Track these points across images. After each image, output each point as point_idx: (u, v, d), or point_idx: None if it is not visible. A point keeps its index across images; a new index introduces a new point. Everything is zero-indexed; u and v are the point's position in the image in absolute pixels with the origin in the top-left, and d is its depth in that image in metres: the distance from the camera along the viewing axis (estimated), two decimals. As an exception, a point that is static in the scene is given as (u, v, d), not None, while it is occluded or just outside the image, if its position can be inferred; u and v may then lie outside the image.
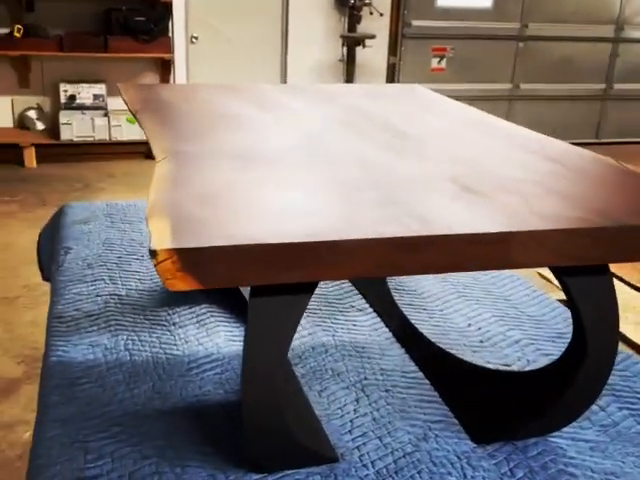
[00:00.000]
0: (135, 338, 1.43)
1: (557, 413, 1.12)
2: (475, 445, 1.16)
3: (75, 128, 5.30)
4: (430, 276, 1.82)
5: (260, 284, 0.80)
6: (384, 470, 1.09)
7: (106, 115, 5.41)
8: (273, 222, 0.82)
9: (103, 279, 1.69)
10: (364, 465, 1.10)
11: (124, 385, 1.27)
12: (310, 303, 1.54)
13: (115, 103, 5.53)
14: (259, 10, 5.87)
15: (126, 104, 1.49)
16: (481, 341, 1.49)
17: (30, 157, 5.30)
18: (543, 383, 1.15)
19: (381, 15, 5.74)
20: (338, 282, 1.73)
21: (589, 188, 1.05)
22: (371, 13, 5.75)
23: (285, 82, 6.02)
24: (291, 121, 1.42)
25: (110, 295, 1.61)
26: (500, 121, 1.49)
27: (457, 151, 1.22)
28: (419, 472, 1.09)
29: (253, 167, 1.07)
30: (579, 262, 0.88)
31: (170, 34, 5.57)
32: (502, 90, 6.57)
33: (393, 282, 1.75)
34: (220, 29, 5.86)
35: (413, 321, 1.56)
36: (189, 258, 0.74)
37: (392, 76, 6.25)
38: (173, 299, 1.60)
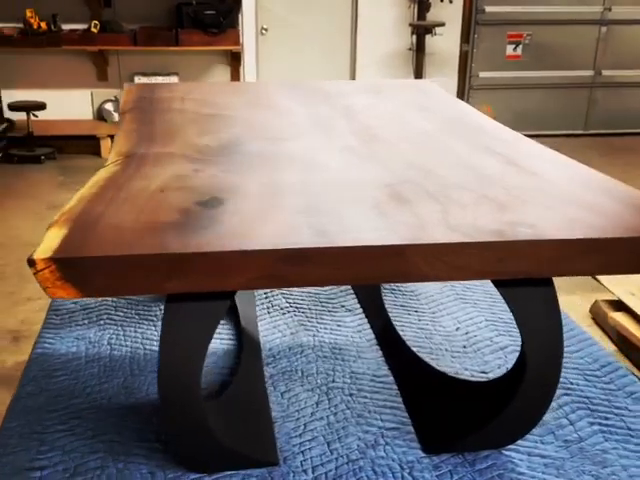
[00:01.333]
0: (120, 333, 1.48)
1: (498, 429, 1.08)
2: (424, 455, 1.13)
3: (147, 120, 5.47)
4: (430, 277, 1.78)
5: (143, 294, 0.81)
6: (323, 476, 1.09)
7: (177, 107, 5.55)
8: (161, 232, 0.83)
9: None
10: (304, 470, 1.10)
11: (96, 379, 1.32)
12: (300, 302, 1.55)
13: (186, 95, 5.66)
14: (329, 0, 5.86)
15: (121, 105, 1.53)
16: (464, 346, 1.46)
17: (106, 148, 5.52)
18: (489, 396, 1.11)
19: (450, 2, 5.61)
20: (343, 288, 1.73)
21: (532, 196, 1.00)
22: (441, 0, 5.63)
23: (354, 72, 6.00)
24: (266, 121, 1.42)
25: (109, 289, 1.67)
26: (489, 123, 1.44)
27: (417, 156, 1.20)
28: (385, 477, 1.08)
29: (203, 166, 1.08)
30: (485, 277, 0.85)
31: (239, 26, 5.65)
32: (583, 77, 6.29)
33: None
34: (289, 20, 5.90)
35: (401, 323, 1.54)
36: (67, 268, 0.76)
37: (464, 64, 6.11)
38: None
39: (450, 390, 1.25)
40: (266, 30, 5.90)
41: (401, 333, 1.50)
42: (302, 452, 1.14)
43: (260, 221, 0.88)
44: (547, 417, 1.23)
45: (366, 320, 1.55)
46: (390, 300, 1.65)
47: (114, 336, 1.47)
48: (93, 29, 5.34)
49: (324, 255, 0.80)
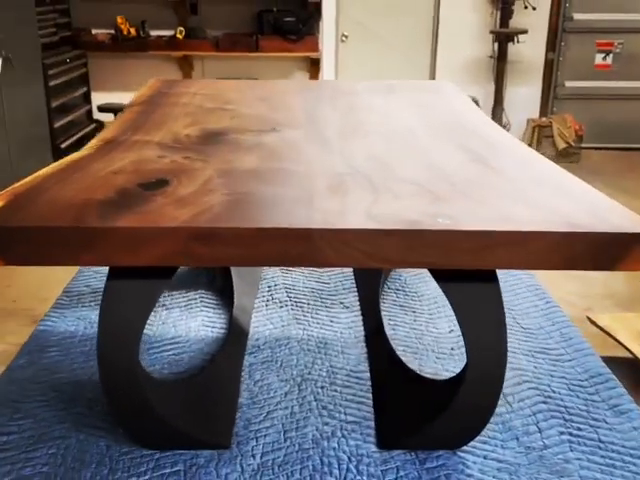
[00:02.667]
0: (120, 315, 1.54)
1: (444, 428, 1.06)
2: (376, 450, 1.13)
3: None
4: (429, 275, 1.75)
5: (61, 264, 0.85)
6: (269, 462, 1.10)
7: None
8: (88, 207, 0.87)
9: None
10: (252, 455, 1.12)
11: (85, 356, 1.38)
12: (301, 296, 1.57)
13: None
14: (410, 7, 5.85)
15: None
16: (452, 348, 1.43)
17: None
18: (443, 394, 1.09)
19: (534, 9, 5.47)
20: (340, 278, 1.74)
21: (476, 192, 0.98)
22: (525, 7, 5.51)
23: (433, 79, 5.95)
24: (261, 115, 1.45)
25: (123, 275, 1.74)
26: (484, 125, 1.41)
27: (385, 151, 1.19)
28: (302, 468, 1.09)
29: (170, 153, 1.11)
30: (395, 265, 0.84)
31: (319, 33, 5.73)
32: (678, 89, 5.99)
33: (397, 283, 1.72)
34: (370, 27, 5.92)
35: (395, 322, 1.53)
36: (-10, 237, 0.81)
37: (550, 73, 5.94)
38: (178, 283, 1.70)
39: (414, 388, 1.23)
40: (346, 37, 5.95)
41: (392, 332, 1.49)
42: (256, 438, 1.16)
43: (189, 202, 0.91)
44: (516, 422, 1.20)
45: (360, 318, 1.55)
46: (391, 299, 1.64)
47: (113, 318, 1.53)
48: (178, 35, 5.56)
49: (231, 235, 0.82)
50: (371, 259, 0.83)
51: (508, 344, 1.36)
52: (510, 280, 1.73)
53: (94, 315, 1.55)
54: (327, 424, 1.19)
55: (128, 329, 0.97)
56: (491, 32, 5.61)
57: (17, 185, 0.96)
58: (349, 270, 1.77)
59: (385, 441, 1.13)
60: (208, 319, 1.54)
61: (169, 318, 1.55)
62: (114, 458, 1.10)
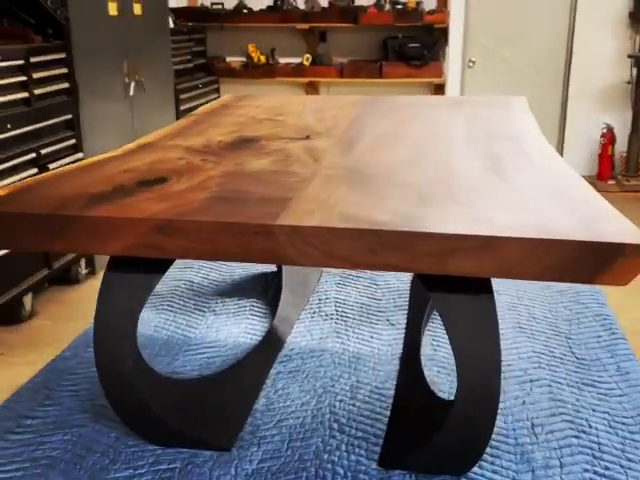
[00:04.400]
0: (170, 318, 1.59)
1: (441, 452, 1.00)
2: (376, 467, 1.08)
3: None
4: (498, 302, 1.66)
5: (34, 250, 0.89)
6: (264, 469, 1.08)
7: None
8: (74, 199, 0.91)
9: (191, 267, 1.88)
10: (250, 460, 1.10)
11: (125, 353, 1.43)
12: (349, 311, 1.55)
13: (388, 125, 5.80)
14: (541, 31, 5.67)
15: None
16: (490, 373, 1.35)
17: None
18: (442, 416, 1.03)
19: (677, 32, 5.11)
20: (393, 295, 1.69)
21: (469, 198, 0.93)
22: (668, 30, 5.16)
23: (565, 105, 5.71)
24: (305, 126, 1.45)
25: (184, 281, 1.79)
26: (528, 137, 1.34)
27: (408, 155, 1.16)
28: (295, 478, 1.06)
29: (192, 155, 1.14)
30: (360, 267, 0.81)
31: (444, 59, 5.68)
32: None
33: (452, 303, 1.65)
34: (499, 52, 5.79)
35: (438, 342, 1.47)
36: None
37: (696, 100, 5.51)
38: (233, 290, 1.73)
39: (427, 409, 1.17)
40: (473, 62, 5.85)
41: (432, 352, 1.43)
42: (259, 444, 1.14)
43: (172, 198, 0.92)
44: (537, 455, 1.11)
45: (403, 335, 1.50)
46: (438, 319, 1.57)
47: (162, 320, 1.58)
48: (305, 62, 5.71)
49: (192, 228, 0.82)
50: (331, 258, 0.81)
51: (556, 374, 1.28)
52: (575, 308, 1.61)
53: (146, 316, 1.60)
54: (334, 437, 1.16)
55: (121, 320, 1.00)
56: (629, 56, 5.30)
57: (30, 179, 1.02)
58: (405, 287, 1.73)
59: (386, 460, 1.08)
60: (251, 327, 1.55)
61: (215, 323, 1.57)
62: (118, 450, 1.13)
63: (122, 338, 1.01)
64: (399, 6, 5.41)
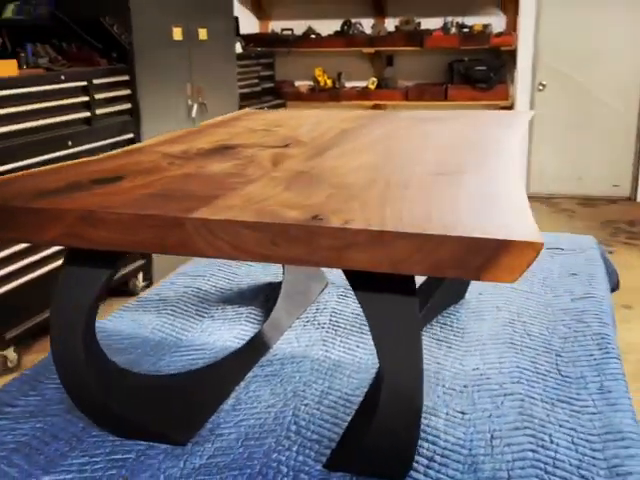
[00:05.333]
0: (168, 321, 1.65)
1: (370, 455, 1.00)
2: (321, 469, 1.09)
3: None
4: (490, 315, 1.63)
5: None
6: (212, 464, 1.11)
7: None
8: (25, 194, 0.98)
9: (204, 276, 1.94)
10: (200, 455, 1.13)
11: (115, 351, 1.50)
12: (342, 320, 1.57)
13: (453, 149, 5.76)
14: (617, 53, 5.51)
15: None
16: (465, 386, 1.33)
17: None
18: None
19: None
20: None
21: (399, 196, 0.93)
22: None
23: None
24: (296, 135, 1.48)
25: (193, 288, 1.85)
26: (510, 150, 1.32)
27: (362, 163, 1.17)
28: (238, 474, 1.08)
29: (167, 159, 1.20)
30: (266, 260, 0.83)
31: (512, 82, 5.60)
32: None
33: (449, 318, 1.63)
34: (571, 76, 5.66)
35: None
36: None
37: None
38: (234, 298, 1.77)
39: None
40: (544, 86, 5.74)
41: (413, 363, 1.42)
42: (214, 441, 1.17)
43: (115, 194, 0.97)
44: (486, 466, 1.09)
45: (389, 346, 1.49)
46: (431, 333, 1.56)
47: (161, 323, 1.64)
48: (370, 85, 5.76)
49: (113, 220, 0.87)
50: (236, 250, 0.83)
51: (532, 390, 1.26)
52: (575, 327, 1.56)
53: (146, 319, 1.67)
54: (289, 438, 1.17)
55: (72, 313, 1.05)
56: None
57: (13, 174, 1.10)
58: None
59: (331, 462, 1.09)
60: (243, 332, 1.59)
61: (209, 327, 1.62)
62: (82, 439, 1.18)
63: (73, 330, 1.06)
64: (465, 29, 5.39)
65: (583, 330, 1.54)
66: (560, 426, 1.18)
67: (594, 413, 1.22)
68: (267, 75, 5.82)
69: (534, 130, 5.81)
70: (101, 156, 1.28)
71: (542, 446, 1.13)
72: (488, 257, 0.74)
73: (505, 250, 0.73)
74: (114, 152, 1.32)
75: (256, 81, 5.57)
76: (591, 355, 1.43)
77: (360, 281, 0.93)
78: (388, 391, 0.94)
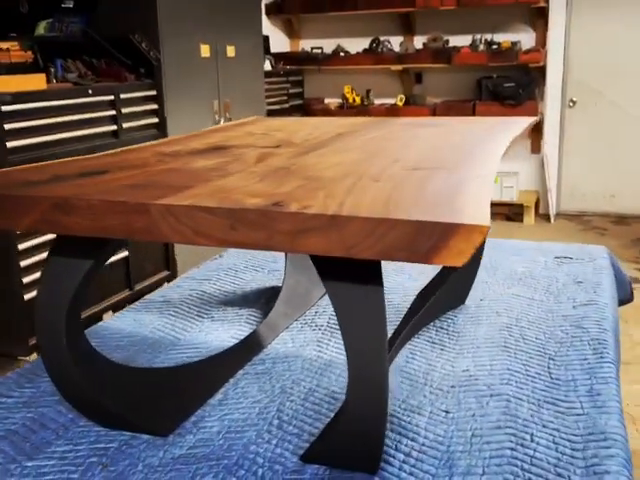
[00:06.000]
0: (169, 322, 1.68)
1: (341, 447, 1.00)
2: (297, 461, 1.09)
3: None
4: (488, 320, 1.62)
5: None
6: (190, 454, 1.13)
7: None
8: (9, 184, 1.02)
9: (210, 279, 1.97)
10: (180, 446, 1.15)
11: (113, 348, 1.53)
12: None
13: (482, 165, 5.74)
14: (648, 70, 5.45)
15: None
16: (452, 386, 1.32)
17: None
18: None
19: None
20: (392, 311, 1.69)
21: (362, 187, 0.95)
22: None
23: (672, 147, 5.42)
24: (290, 138, 1.50)
25: (198, 291, 1.88)
26: (495, 153, 1.33)
27: (340, 161, 1.19)
28: (214, 464, 1.09)
29: (158, 157, 1.24)
30: (227, 245, 0.85)
31: (542, 98, 5.57)
32: None
33: (446, 322, 1.63)
34: (603, 92, 5.61)
35: (414, 355, 1.46)
36: None
37: None
38: (237, 300, 1.80)
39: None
40: (574, 102, 5.70)
41: (403, 364, 1.42)
42: (196, 433, 1.19)
43: (93, 184, 1.01)
44: (462, 462, 1.08)
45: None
46: (427, 335, 1.56)
47: (162, 323, 1.67)
48: (398, 102, 5.78)
49: (84, 206, 0.90)
50: (197, 235, 0.85)
51: (520, 391, 1.26)
52: (574, 332, 1.55)
53: (148, 319, 1.70)
54: (270, 432, 1.18)
55: (57, 303, 1.08)
56: None
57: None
58: (406, 305, 1.72)
59: (307, 454, 1.10)
60: (240, 333, 1.61)
61: (208, 327, 1.64)
62: (69, 428, 1.21)
63: (56, 320, 1.09)
64: (494, 46, 5.39)
65: (580, 335, 1.53)
66: (543, 426, 1.17)
67: (580, 414, 1.21)
68: (296, 92, 5.90)
69: (564, 147, 5.76)
70: (98, 154, 1.32)
71: (521, 444, 1.12)
72: (437, 240, 0.75)
73: (453, 233, 0.74)
74: (112, 151, 1.36)
75: (285, 98, 5.65)
76: (585, 359, 1.41)
77: (327, 269, 0.94)
78: (354, 380, 0.95)
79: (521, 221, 5.72)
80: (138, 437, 1.17)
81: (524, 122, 1.68)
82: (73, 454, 1.13)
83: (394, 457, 1.09)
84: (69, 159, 1.26)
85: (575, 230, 5.39)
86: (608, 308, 1.68)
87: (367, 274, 0.92)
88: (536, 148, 5.76)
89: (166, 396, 1.27)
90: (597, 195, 5.83)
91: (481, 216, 0.76)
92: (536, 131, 5.66)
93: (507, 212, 5.76)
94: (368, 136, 1.52)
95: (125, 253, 3.74)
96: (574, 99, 5.69)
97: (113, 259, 3.62)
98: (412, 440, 1.14)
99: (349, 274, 0.93)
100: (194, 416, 1.24)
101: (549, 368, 1.39)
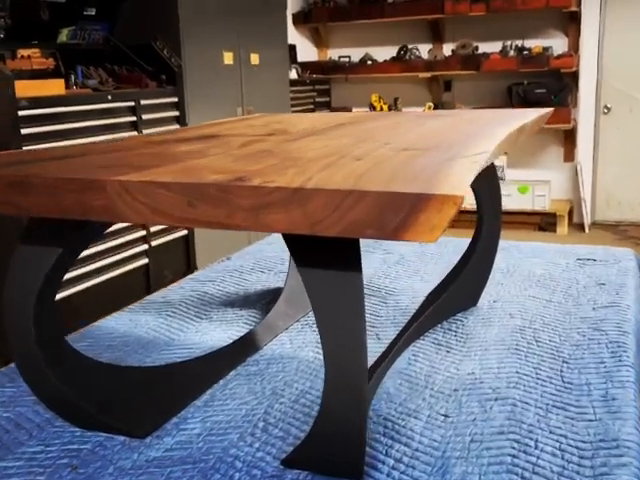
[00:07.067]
0: (166, 322, 1.61)
1: (321, 451, 0.93)
2: (278, 465, 1.02)
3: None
4: (500, 322, 1.53)
5: None
6: (166, 457, 1.05)
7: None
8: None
9: (214, 281, 1.91)
10: (157, 449, 1.08)
11: (104, 348, 1.47)
12: None
13: (513, 174, 5.62)
14: (685, 75, 5.27)
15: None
16: (455, 389, 1.23)
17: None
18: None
19: None
20: (397, 313, 1.61)
21: (341, 166, 0.87)
22: None
23: None
24: (284, 129, 1.43)
25: (200, 292, 1.82)
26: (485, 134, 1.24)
27: (326, 144, 1.12)
28: (190, 468, 1.02)
29: (147, 144, 1.18)
30: (185, 223, 0.78)
31: (574, 105, 5.43)
32: None
33: (455, 324, 1.54)
34: (638, 98, 5.44)
35: (417, 357, 1.37)
36: None
37: None
38: (240, 302, 1.73)
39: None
40: (609, 109, 5.54)
41: (404, 366, 1.34)
42: (175, 435, 1.12)
43: (57, 166, 0.95)
44: (457, 469, 0.99)
45: (383, 349, 1.41)
46: (433, 337, 1.47)
47: (158, 323, 1.61)
48: (427, 110, 5.69)
49: (40, 184, 0.84)
50: (155, 214, 0.79)
51: (528, 395, 1.17)
52: (591, 334, 1.44)
53: (144, 319, 1.64)
54: (253, 435, 1.11)
55: (24, 294, 1.03)
56: None
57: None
58: (414, 307, 1.64)
59: (288, 459, 1.02)
60: (237, 334, 1.53)
61: (205, 328, 1.57)
62: (44, 429, 1.15)
63: (24, 312, 1.03)
64: (525, 52, 5.27)
65: (598, 338, 1.42)
66: (550, 432, 1.08)
67: (591, 420, 1.11)
68: (323, 101, 5.85)
69: (599, 155, 5.60)
70: (100, 142, 1.28)
71: (524, 451, 1.02)
72: (406, 214, 0.67)
73: (423, 206, 0.66)
74: (103, 139, 1.31)
75: (311, 107, 5.60)
76: (602, 362, 1.31)
77: (301, 253, 0.86)
78: (331, 379, 0.87)
79: (554, 231, 5.57)
80: (114, 439, 1.11)
81: (539, 112, 1.59)
82: (43, 455, 1.07)
83: (383, 462, 1.01)
84: (57, 146, 1.21)
85: (610, 240, 5.22)
86: (630, 310, 1.57)
87: (344, 258, 0.85)
88: (569, 156, 5.61)
89: (147, 397, 1.20)
90: (634, 204, 5.65)
91: (455, 186, 0.68)
92: (569, 138, 5.52)
93: (539, 222, 5.62)
94: (370, 125, 1.44)
95: (145, 260, 3.71)
96: (609, 105, 5.54)
97: (132, 266, 3.60)
98: (405, 445, 1.06)
99: (324, 258, 0.85)
100: (177, 417, 1.17)
101: (562, 371, 1.29)
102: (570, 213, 5.66)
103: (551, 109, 1.68)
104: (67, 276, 3.08)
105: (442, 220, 0.66)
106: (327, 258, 0.85)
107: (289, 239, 0.87)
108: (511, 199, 5.45)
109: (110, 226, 1.14)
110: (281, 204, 0.72)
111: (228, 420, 1.15)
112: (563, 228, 5.53)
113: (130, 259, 3.60)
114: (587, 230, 5.59)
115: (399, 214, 0.67)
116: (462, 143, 1.04)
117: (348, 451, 0.93)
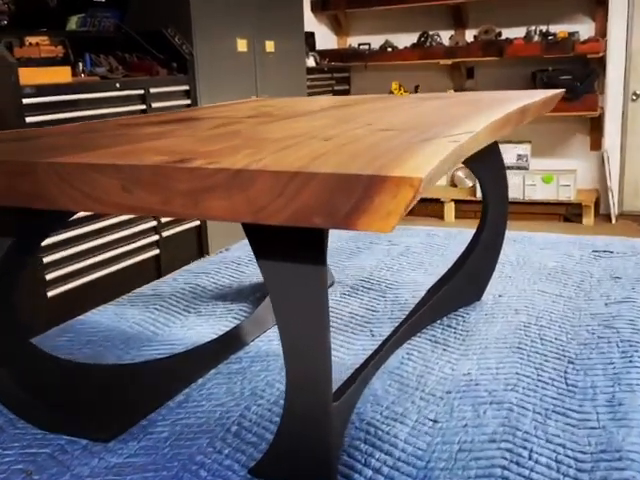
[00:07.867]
0: (152, 316, 1.54)
1: (288, 459, 0.84)
2: (245, 475, 0.93)
3: (489, 186, 5.41)
4: (504, 318, 1.42)
5: None
6: (127, 464, 0.98)
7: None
8: None
9: (208, 273, 1.83)
10: (120, 454, 1.01)
11: (81, 343, 1.40)
12: (337, 319, 1.43)
13: (537, 163, 5.47)
14: None
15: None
16: (448, 392, 1.14)
17: (449, 212, 5.63)
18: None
19: None
20: (395, 308, 1.51)
21: (308, 146, 0.78)
22: None
23: None
24: (272, 110, 1.35)
25: (192, 284, 1.74)
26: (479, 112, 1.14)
27: (308, 124, 1.03)
28: (151, 476, 0.94)
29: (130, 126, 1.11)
30: (122, 211, 0.70)
31: (601, 92, 5.25)
32: None
33: (455, 320, 1.44)
34: (668, 84, 5.25)
35: (411, 356, 1.28)
36: None
37: None
38: (232, 296, 1.65)
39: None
40: (637, 95, 5.35)
41: (397, 365, 1.25)
42: (140, 439, 1.04)
43: (17, 149, 0.88)
44: (448, 473, 0.90)
45: (375, 346, 1.32)
46: (430, 334, 1.38)
47: (144, 318, 1.53)
48: (448, 97, 5.55)
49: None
50: (89, 199, 0.71)
51: (526, 399, 1.09)
52: (601, 332, 1.34)
53: (129, 313, 1.57)
54: (224, 440, 1.03)
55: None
56: None
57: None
58: (414, 301, 1.54)
59: (255, 468, 0.93)
60: (225, 329, 1.45)
61: (192, 323, 1.50)
62: (5, 430, 1.08)
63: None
64: (550, 37, 5.11)
65: (609, 336, 1.31)
66: (547, 441, 0.98)
67: (594, 428, 1.01)
68: (342, 89, 5.74)
69: (627, 143, 5.42)
70: (80, 123, 1.21)
71: (516, 462, 0.93)
72: (358, 199, 0.58)
73: (377, 189, 0.57)
74: (87, 122, 1.24)
75: (330, 95, 5.49)
76: (610, 363, 1.21)
77: (260, 244, 0.78)
78: (293, 376, 0.78)
79: (580, 222, 5.40)
80: (77, 442, 1.03)
81: (545, 93, 1.48)
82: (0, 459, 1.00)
83: (360, 473, 0.92)
84: (31, 129, 1.14)
85: (636, 231, 5.05)
86: (646, 306, 1.46)
87: (306, 251, 0.76)
88: (596, 145, 5.43)
89: (116, 397, 1.12)
90: (663, 194, 5.47)
91: (415, 168, 0.58)
92: (596, 126, 5.35)
93: (564, 212, 5.45)
94: (364, 107, 1.35)
95: (156, 251, 3.65)
96: (638, 92, 5.35)
97: (142, 257, 3.54)
98: (386, 454, 0.97)
99: (284, 249, 0.76)
100: (146, 420, 1.09)
101: (566, 373, 1.18)
102: (596, 203, 5.49)
103: (562, 90, 1.57)
104: (76, 267, 3.03)
105: (398, 205, 0.57)
106: (287, 249, 0.77)
107: (246, 226, 0.78)
108: (535, 189, 5.30)
109: (72, 215, 1.06)
110: (222, 188, 0.64)
111: (200, 423, 1.08)
112: (589, 219, 5.36)
113: (140, 250, 3.54)
114: (614, 221, 5.41)
115: (350, 199, 0.58)
116: (447, 123, 0.94)
117: (315, 462, 0.84)
